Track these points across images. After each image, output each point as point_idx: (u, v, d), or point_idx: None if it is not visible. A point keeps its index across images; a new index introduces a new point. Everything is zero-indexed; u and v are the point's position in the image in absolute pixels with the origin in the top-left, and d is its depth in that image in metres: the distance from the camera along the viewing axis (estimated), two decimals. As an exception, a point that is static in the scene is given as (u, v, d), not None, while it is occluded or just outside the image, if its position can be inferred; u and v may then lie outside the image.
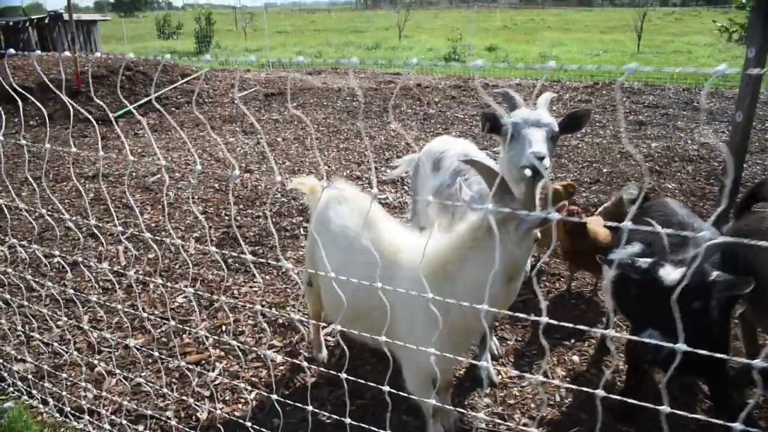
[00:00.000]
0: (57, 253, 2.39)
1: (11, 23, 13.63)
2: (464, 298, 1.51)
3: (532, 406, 2.63)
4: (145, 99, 9.24)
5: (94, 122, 1.78)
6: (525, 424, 2.51)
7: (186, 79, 10.44)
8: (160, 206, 4.95)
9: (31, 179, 2.34)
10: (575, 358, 2.97)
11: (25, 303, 2.64)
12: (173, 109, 9.26)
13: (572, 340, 3.08)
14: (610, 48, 18.58)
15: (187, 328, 3.02)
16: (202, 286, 3.65)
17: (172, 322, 2.11)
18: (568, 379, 2.82)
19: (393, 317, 1.57)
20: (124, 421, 2.33)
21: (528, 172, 1.96)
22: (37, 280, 2.76)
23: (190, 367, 2.74)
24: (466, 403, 2.66)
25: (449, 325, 1.67)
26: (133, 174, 5.79)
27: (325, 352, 2.93)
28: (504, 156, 2.23)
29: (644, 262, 2.02)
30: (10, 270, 2.71)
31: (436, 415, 2.25)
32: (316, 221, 2.27)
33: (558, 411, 2.61)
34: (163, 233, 4.42)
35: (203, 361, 2.91)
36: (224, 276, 3.71)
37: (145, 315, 2.21)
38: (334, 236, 2.13)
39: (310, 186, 2.46)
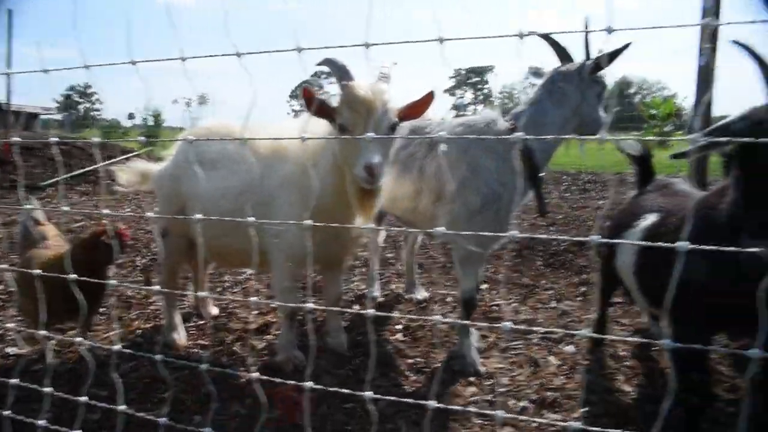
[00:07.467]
0: None
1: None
2: (324, 177, 1.95)
3: (528, 392, 2.13)
4: (79, 171, 8.72)
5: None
6: (524, 408, 2.00)
7: (126, 156, 10.02)
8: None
9: None
10: (569, 348, 2.52)
11: None
12: (110, 181, 8.72)
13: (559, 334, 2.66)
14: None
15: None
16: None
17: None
18: (565, 367, 2.35)
19: (272, 205, 2.09)
20: None
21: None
22: None
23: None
24: (448, 391, 2.13)
25: (319, 197, 1.91)
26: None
27: (183, 333, 2.58)
28: None
29: None
30: None
31: (293, 318, 2.29)
32: (184, 159, 2.36)
33: (561, 394, 2.11)
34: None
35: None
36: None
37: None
38: (213, 161, 2.27)
39: (140, 172, 2.64)
